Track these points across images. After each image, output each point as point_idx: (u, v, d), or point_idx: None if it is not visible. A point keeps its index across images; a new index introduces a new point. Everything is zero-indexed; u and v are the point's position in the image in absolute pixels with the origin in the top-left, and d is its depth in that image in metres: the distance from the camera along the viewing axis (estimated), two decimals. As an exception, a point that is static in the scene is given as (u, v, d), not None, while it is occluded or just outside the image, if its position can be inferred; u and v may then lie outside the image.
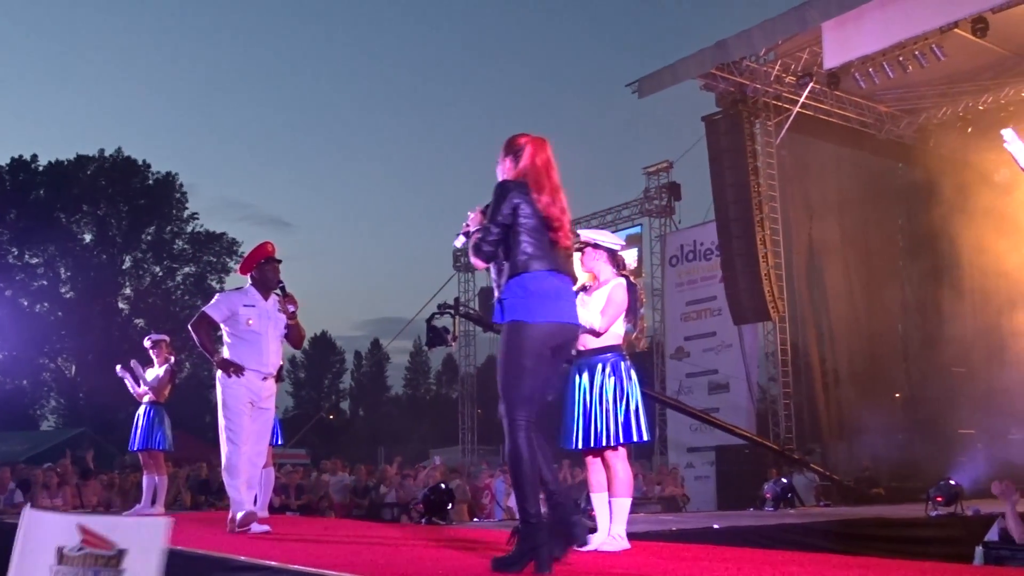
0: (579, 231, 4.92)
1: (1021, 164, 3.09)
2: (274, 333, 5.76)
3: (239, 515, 5.39)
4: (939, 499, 8.51)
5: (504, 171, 3.74)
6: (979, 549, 5.33)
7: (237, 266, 6.20)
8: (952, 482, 8.74)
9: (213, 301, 5.78)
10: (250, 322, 5.63)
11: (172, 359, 8.39)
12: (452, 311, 12.63)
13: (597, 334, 4.67)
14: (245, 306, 5.69)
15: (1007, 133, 3.07)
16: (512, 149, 3.73)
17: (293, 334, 5.84)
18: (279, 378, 5.89)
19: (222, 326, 5.72)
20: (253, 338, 5.65)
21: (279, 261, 5.84)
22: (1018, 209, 12.60)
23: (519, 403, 3.48)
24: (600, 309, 4.67)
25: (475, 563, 3.76)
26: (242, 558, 3.89)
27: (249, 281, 5.83)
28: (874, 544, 6.79)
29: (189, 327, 5.75)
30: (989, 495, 6.24)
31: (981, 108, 14.74)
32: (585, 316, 4.65)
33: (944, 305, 15.27)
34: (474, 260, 3.70)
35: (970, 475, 9.65)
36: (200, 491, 12.60)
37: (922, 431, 13.25)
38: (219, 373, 5.57)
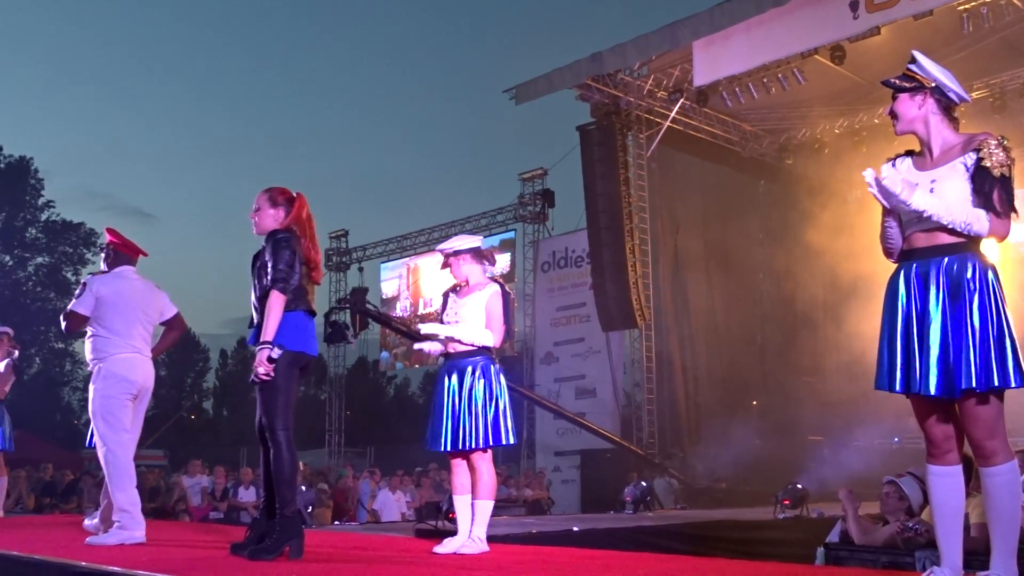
0: (439, 248, 4.89)
1: (883, 203, 3.19)
2: None
3: None
4: (786, 502, 8.89)
5: (274, 219, 4.38)
6: (820, 550, 5.56)
7: (99, 256, 5.72)
8: (799, 486, 9.13)
9: None
10: None
11: (16, 353, 7.91)
12: (351, 307, 12.10)
13: (489, 349, 4.67)
14: None
15: (868, 175, 3.16)
16: (281, 201, 4.41)
17: None
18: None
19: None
20: None
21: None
22: (871, 226, 13.22)
23: (279, 414, 4.20)
24: (484, 324, 4.66)
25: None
26: (83, 564, 3.75)
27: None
28: (724, 545, 7.05)
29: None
30: (833, 498, 6.55)
31: (837, 131, 15.47)
32: (471, 336, 4.61)
33: (798, 316, 16.00)
34: (279, 294, 4.21)
35: (816, 479, 10.10)
36: (44, 493, 11.98)
37: (775, 437, 13.78)
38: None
